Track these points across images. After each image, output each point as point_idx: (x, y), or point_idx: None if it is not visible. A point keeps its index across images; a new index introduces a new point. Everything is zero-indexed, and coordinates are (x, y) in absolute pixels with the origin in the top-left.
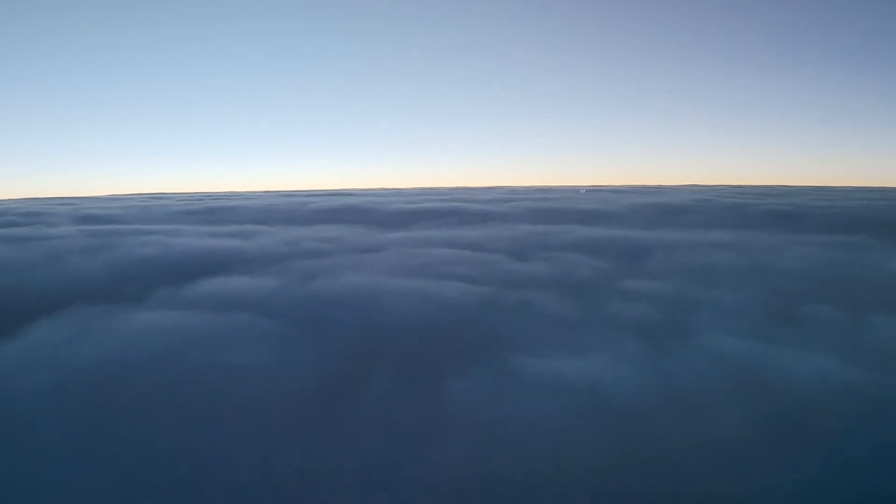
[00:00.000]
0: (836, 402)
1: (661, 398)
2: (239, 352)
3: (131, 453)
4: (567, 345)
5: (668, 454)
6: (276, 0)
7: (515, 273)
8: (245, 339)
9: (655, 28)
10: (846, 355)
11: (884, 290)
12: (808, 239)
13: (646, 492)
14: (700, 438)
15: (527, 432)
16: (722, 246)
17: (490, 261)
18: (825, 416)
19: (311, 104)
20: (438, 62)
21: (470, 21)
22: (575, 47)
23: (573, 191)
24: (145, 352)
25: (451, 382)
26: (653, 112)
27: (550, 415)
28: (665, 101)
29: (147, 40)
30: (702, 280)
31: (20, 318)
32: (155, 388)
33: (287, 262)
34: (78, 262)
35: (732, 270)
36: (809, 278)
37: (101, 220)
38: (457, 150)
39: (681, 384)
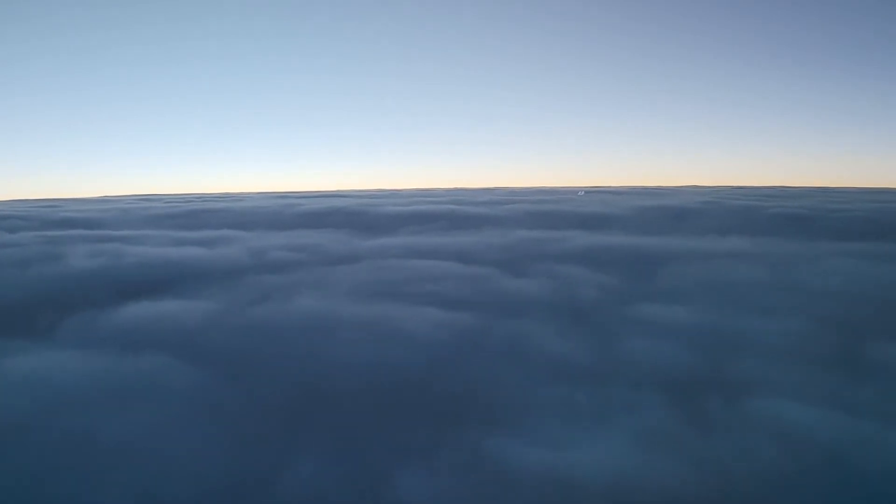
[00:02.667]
0: None
1: None
2: (123, 417)
3: None
4: (570, 414)
5: None
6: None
7: (506, 294)
8: (142, 395)
9: (650, 28)
10: None
11: None
12: (834, 247)
13: None
14: None
15: None
16: (742, 256)
17: (478, 276)
18: None
19: (314, 104)
20: (438, 62)
21: (470, 21)
22: (572, 47)
23: (572, 192)
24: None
25: (400, 479)
26: (649, 112)
27: None
28: (660, 101)
29: (148, 40)
30: (732, 303)
31: None
32: None
33: (243, 277)
34: (3, 278)
35: (764, 289)
36: (861, 300)
37: (71, 225)
38: (457, 151)
39: (742, 487)
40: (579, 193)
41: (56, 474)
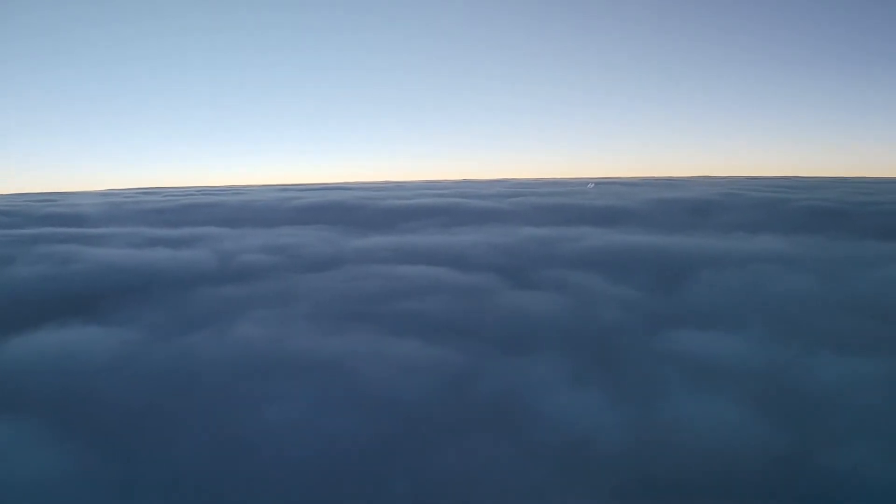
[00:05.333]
0: None
1: None
2: None
3: None
4: None
5: None
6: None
7: (507, 315)
8: None
9: (655, 18)
10: None
11: None
12: (886, 249)
13: None
14: None
15: None
16: (785, 260)
17: (475, 288)
18: None
19: (331, 96)
20: (451, 52)
21: (481, 10)
22: (578, 37)
23: (581, 184)
24: None
25: None
26: (655, 103)
27: None
28: (665, 92)
29: (169, 36)
30: (795, 329)
31: None
32: None
33: (197, 288)
34: None
35: (828, 307)
36: None
37: (49, 222)
38: (468, 142)
39: None
40: (589, 186)
41: None
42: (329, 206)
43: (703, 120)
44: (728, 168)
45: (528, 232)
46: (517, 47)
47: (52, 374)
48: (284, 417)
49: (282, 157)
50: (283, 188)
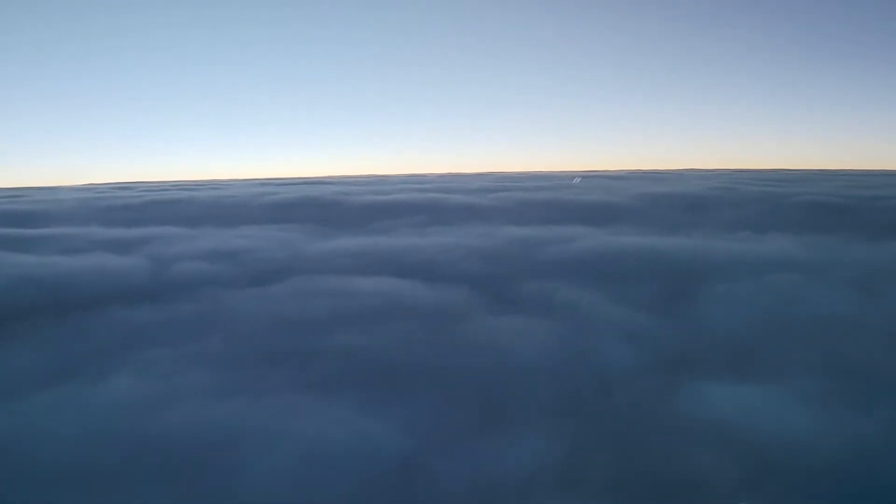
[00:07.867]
0: None
1: None
2: None
3: None
4: None
5: None
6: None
7: (478, 357)
8: None
9: (643, 9)
10: None
11: None
12: None
13: None
14: None
15: None
16: (811, 268)
17: (443, 311)
18: None
19: (325, 90)
20: (438, 47)
21: (467, 3)
22: (565, 29)
23: (567, 177)
24: None
25: None
26: (643, 95)
27: None
28: (653, 84)
29: (166, 34)
30: (859, 375)
31: None
32: None
33: (102, 311)
34: None
35: (885, 334)
36: None
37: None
38: (455, 135)
39: None
40: (575, 181)
41: None
42: (302, 203)
43: (688, 113)
44: (713, 161)
45: (512, 232)
46: (505, 40)
47: None
48: None
49: (277, 151)
50: (264, 182)
